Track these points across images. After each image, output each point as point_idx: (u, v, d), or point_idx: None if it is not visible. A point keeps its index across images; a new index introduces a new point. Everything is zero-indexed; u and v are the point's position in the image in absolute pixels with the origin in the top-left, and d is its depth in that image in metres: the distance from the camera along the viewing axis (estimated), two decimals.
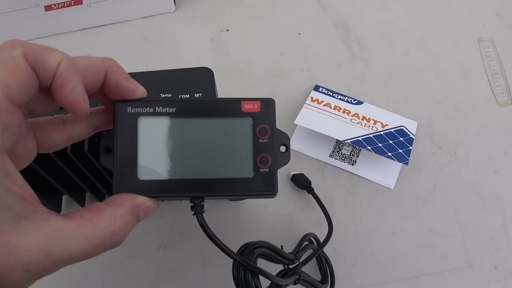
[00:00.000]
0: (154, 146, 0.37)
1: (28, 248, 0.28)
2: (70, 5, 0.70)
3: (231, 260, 0.56)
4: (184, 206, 0.62)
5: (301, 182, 0.62)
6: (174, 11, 0.77)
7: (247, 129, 0.38)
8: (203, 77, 0.48)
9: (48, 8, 0.69)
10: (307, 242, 0.56)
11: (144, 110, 0.37)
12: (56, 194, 0.60)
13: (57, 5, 0.69)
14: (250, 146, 0.38)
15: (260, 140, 0.38)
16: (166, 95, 0.46)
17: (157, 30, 0.76)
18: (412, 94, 0.70)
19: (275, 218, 0.62)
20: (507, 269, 0.60)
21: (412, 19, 0.77)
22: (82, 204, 0.60)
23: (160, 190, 0.36)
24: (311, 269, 0.58)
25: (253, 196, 0.38)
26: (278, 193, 0.38)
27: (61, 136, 0.35)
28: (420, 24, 0.76)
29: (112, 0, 0.71)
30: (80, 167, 0.48)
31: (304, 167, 0.65)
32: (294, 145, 0.66)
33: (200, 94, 0.46)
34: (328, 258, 0.58)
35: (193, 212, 0.37)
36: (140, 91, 0.37)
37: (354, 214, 0.62)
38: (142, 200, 0.35)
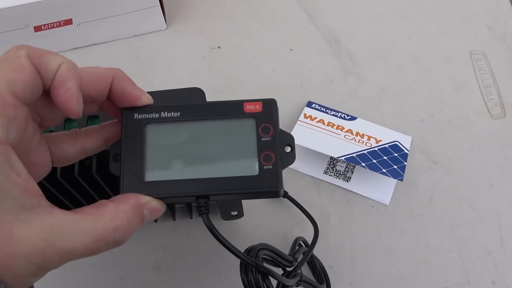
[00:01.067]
0: (161, 149, 0.38)
1: (30, 238, 0.29)
2: (60, 26, 0.69)
3: (227, 282, 0.56)
4: (178, 226, 0.61)
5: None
6: (165, 29, 0.77)
7: (250, 128, 0.39)
8: (194, 97, 0.47)
9: (37, 29, 0.68)
10: (297, 246, 0.56)
11: (150, 116, 0.39)
12: None
13: (46, 25, 0.68)
14: (254, 145, 0.38)
15: (263, 139, 0.39)
16: None
17: (148, 48, 0.75)
18: (405, 109, 0.70)
19: (270, 236, 0.61)
20: (505, 284, 0.59)
21: (403, 33, 0.77)
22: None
23: (166, 190, 0.37)
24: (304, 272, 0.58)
25: (258, 194, 0.38)
26: (282, 191, 0.38)
27: (74, 148, 0.37)
28: (412, 38, 0.76)
29: (102, 20, 0.71)
30: (70, 191, 0.48)
31: (298, 184, 0.64)
32: None
33: None
34: (319, 259, 0.58)
35: (199, 212, 0.37)
36: (146, 97, 0.38)
37: (350, 231, 0.62)
38: (147, 200, 0.36)
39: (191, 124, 0.39)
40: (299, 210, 0.62)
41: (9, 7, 0.64)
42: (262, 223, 0.62)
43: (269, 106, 0.40)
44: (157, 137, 0.38)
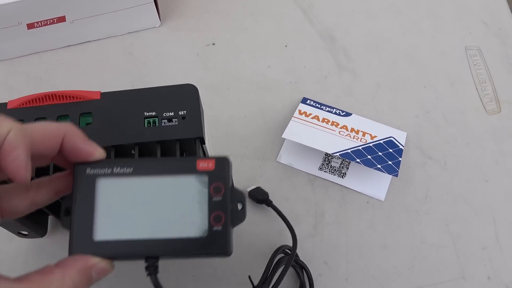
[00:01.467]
0: (111, 206, 0.37)
1: None
2: (53, 23, 0.69)
3: (222, 279, 0.56)
4: None
5: (257, 197, 0.61)
6: (159, 26, 0.77)
7: (202, 187, 0.38)
8: (187, 94, 0.47)
9: (30, 26, 0.68)
10: (282, 255, 0.55)
11: (103, 171, 0.38)
12: (42, 215, 0.59)
13: (39, 23, 0.68)
14: (205, 205, 0.37)
15: (214, 198, 0.37)
16: (151, 113, 0.45)
17: (142, 45, 0.75)
18: (400, 105, 0.70)
19: (244, 237, 0.61)
20: (501, 279, 0.59)
21: (398, 29, 0.77)
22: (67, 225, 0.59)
23: (115, 250, 0.36)
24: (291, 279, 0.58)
25: (207, 255, 0.37)
26: (231, 252, 0.37)
27: (24, 202, 0.36)
28: (407, 34, 0.76)
29: (96, 17, 0.70)
30: None
31: (293, 181, 0.64)
32: (283, 159, 0.65)
33: (185, 111, 0.46)
34: (306, 266, 0.58)
35: (147, 272, 0.36)
36: (99, 153, 0.37)
37: (345, 227, 0.61)
38: (95, 261, 0.35)
39: (143, 180, 0.38)
40: (293, 206, 0.62)
41: (2, 4, 0.63)
42: (257, 219, 0.62)
43: (222, 164, 0.39)
44: (109, 193, 0.37)
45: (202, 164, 0.39)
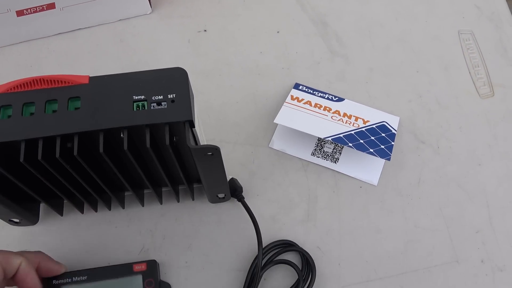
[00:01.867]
0: None
1: None
2: (42, 10, 0.68)
3: (214, 264, 0.56)
4: (165, 210, 0.61)
5: (231, 190, 0.60)
6: (150, 13, 0.76)
7: (138, 283, 0.54)
8: (176, 77, 0.47)
9: (20, 13, 0.67)
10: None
11: (64, 280, 0.53)
12: (33, 203, 0.59)
13: (29, 10, 0.67)
14: None
15: None
16: (140, 96, 0.45)
17: (133, 32, 0.75)
18: (393, 89, 0.70)
19: (258, 217, 0.61)
20: (494, 262, 0.59)
21: (391, 13, 0.76)
22: (60, 212, 0.59)
23: None
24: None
25: None
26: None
27: None
28: (400, 19, 0.76)
29: (86, 4, 0.70)
30: (53, 174, 0.47)
31: (286, 166, 0.64)
32: (276, 144, 0.65)
33: (174, 95, 0.45)
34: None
35: None
36: (64, 268, 0.53)
37: (338, 212, 0.61)
38: None
39: (95, 284, 0.53)
40: (286, 191, 0.61)
41: None
42: (249, 205, 0.61)
43: (152, 265, 0.55)
44: None
45: (137, 267, 0.54)
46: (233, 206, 0.61)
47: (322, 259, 0.59)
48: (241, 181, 0.62)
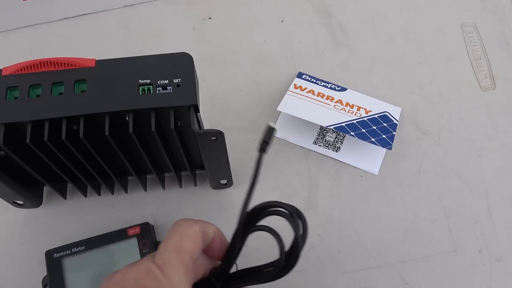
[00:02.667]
0: (76, 275, 0.54)
1: None
2: None
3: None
4: (167, 195, 0.61)
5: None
6: (155, 0, 0.76)
7: (134, 246, 0.56)
8: (182, 62, 0.47)
9: None
10: None
11: (64, 252, 0.55)
12: (37, 185, 0.59)
13: None
14: (138, 256, 0.55)
15: (144, 251, 0.55)
16: (145, 80, 0.45)
17: (138, 19, 0.75)
18: (395, 80, 0.70)
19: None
20: (492, 253, 0.60)
21: (395, 4, 0.77)
22: (63, 195, 0.59)
23: None
24: None
25: None
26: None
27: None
28: (403, 10, 0.76)
29: None
30: (59, 156, 0.48)
31: (288, 154, 0.64)
32: (278, 132, 0.65)
33: (179, 79, 0.46)
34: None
35: None
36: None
37: (338, 200, 0.62)
38: None
39: (93, 251, 0.55)
40: (287, 179, 0.62)
41: None
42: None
43: (145, 227, 0.56)
44: (72, 267, 0.54)
45: (131, 231, 0.56)
46: (235, 192, 0.62)
47: (322, 247, 0.59)
48: (243, 168, 0.62)
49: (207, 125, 0.56)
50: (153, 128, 0.44)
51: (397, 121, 0.64)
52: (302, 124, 0.65)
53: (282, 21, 0.75)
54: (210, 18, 0.75)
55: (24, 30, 0.73)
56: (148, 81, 0.45)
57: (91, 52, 0.72)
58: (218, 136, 0.46)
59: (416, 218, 0.61)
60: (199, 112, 0.46)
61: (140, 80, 0.45)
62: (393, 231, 0.60)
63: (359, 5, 0.76)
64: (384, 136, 0.62)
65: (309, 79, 0.68)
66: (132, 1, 0.75)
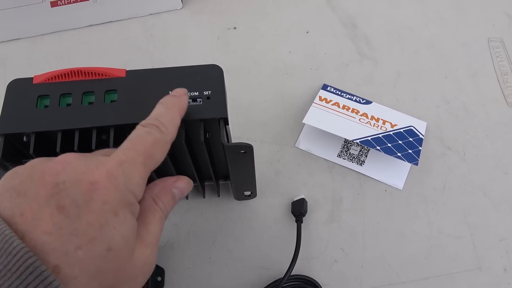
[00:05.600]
0: None
1: None
2: (76, 1, 0.69)
3: (238, 261, 0.56)
4: (191, 205, 0.61)
5: (294, 208, 0.61)
6: (180, 8, 0.77)
7: None
8: (212, 74, 0.47)
9: (54, 4, 0.68)
10: None
11: None
12: None
13: (63, 1, 0.68)
14: None
15: None
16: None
17: (163, 27, 0.75)
18: (421, 94, 0.70)
19: (283, 217, 0.61)
20: None
21: (421, 18, 0.76)
22: None
23: None
24: None
25: None
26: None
27: None
28: (429, 23, 0.76)
29: None
30: None
31: (311, 167, 0.64)
32: (302, 144, 0.65)
33: (210, 91, 0.46)
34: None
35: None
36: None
37: (362, 214, 0.61)
38: (173, 179, 0.41)
39: None
40: (311, 192, 0.62)
41: None
42: (274, 203, 0.62)
43: None
44: None
45: None
46: (258, 204, 0.62)
47: (345, 261, 0.59)
48: (267, 180, 0.62)
49: (231, 136, 0.55)
50: (183, 141, 0.44)
51: (422, 135, 0.64)
52: (326, 136, 0.65)
53: (307, 32, 0.75)
54: (235, 28, 0.75)
55: (51, 36, 0.74)
56: None
57: (116, 59, 0.72)
58: (247, 150, 0.45)
59: (441, 235, 0.61)
60: (228, 124, 0.46)
61: (170, 92, 0.45)
62: (417, 247, 0.60)
63: (384, 18, 0.76)
64: (410, 151, 0.61)
65: (334, 91, 0.67)
66: (157, 10, 0.76)
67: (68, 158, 0.32)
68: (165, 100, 0.40)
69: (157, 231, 0.36)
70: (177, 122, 0.39)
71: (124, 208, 0.32)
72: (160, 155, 0.36)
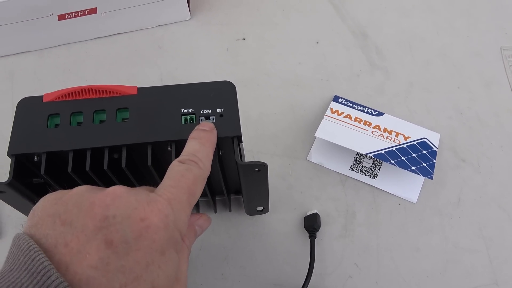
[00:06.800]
0: None
1: None
2: (84, 14, 0.68)
3: (251, 277, 0.55)
4: None
5: (307, 223, 0.60)
6: (189, 20, 0.76)
7: None
8: (225, 91, 0.46)
9: (61, 17, 0.68)
10: None
11: None
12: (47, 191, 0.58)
13: (71, 14, 0.68)
14: None
15: None
16: (188, 110, 0.45)
17: (172, 39, 0.74)
18: (433, 105, 0.69)
19: (295, 232, 0.60)
20: None
21: (432, 27, 0.75)
22: None
23: None
24: None
25: None
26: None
27: None
28: (441, 32, 0.75)
29: (127, 9, 0.70)
30: (98, 184, 0.47)
31: (323, 180, 0.63)
32: (314, 157, 0.64)
33: (222, 109, 0.45)
34: None
35: None
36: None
37: (376, 229, 0.61)
38: (197, 216, 0.42)
39: None
40: (324, 206, 0.61)
41: None
42: (287, 218, 0.61)
43: None
44: None
45: None
46: (270, 219, 0.61)
47: (359, 276, 0.58)
48: (279, 194, 0.61)
49: (243, 151, 0.55)
50: None
51: (436, 148, 0.63)
52: (338, 149, 0.64)
53: (317, 42, 0.74)
54: (244, 39, 0.74)
55: (58, 49, 0.73)
56: (191, 110, 0.45)
57: (124, 72, 0.71)
58: (261, 168, 0.45)
59: (456, 249, 0.60)
60: (241, 142, 0.45)
61: (182, 109, 0.45)
62: (432, 262, 0.59)
63: (395, 27, 0.75)
64: (424, 164, 0.60)
65: (345, 103, 0.67)
66: (166, 21, 0.75)
67: (119, 191, 0.32)
68: (197, 135, 0.40)
69: (186, 270, 0.36)
70: (211, 157, 0.39)
71: (170, 248, 0.32)
72: (200, 191, 0.36)
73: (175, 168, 0.36)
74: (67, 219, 0.29)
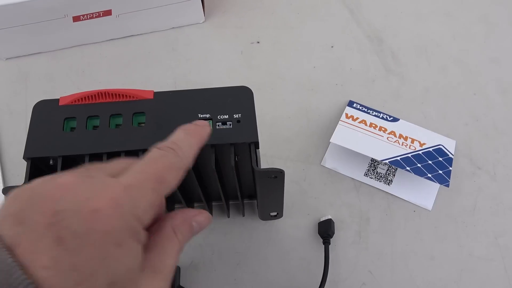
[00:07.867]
0: None
1: None
2: (99, 16, 0.68)
3: (263, 283, 0.55)
4: (215, 225, 0.60)
5: (321, 229, 0.60)
6: (203, 22, 0.76)
7: None
8: (242, 96, 0.46)
9: (76, 19, 0.67)
10: None
11: None
12: None
13: (85, 16, 0.67)
14: None
15: None
16: (205, 115, 0.44)
17: (185, 41, 0.74)
18: (449, 111, 0.68)
19: (309, 237, 0.60)
20: None
21: (448, 32, 0.75)
22: None
23: None
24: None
25: None
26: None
27: None
28: (457, 38, 0.74)
29: (142, 11, 0.70)
30: None
31: (337, 186, 0.63)
32: (328, 163, 0.64)
33: (240, 115, 0.45)
34: None
35: None
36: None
37: (390, 236, 0.60)
38: (194, 212, 0.37)
39: None
40: (338, 211, 0.60)
41: None
42: (300, 223, 0.60)
43: None
44: None
45: None
46: (284, 224, 0.60)
47: (373, 284, 0.57)
48: (292, 199, 0.61)
49: (260, 157, 0.54)
50: (213, 166, 0.43)
51: (452, 155, 0.62)
52: (352, 154, 0.63)
53: (332, 47, 0.74)
54: (258, 42, 0.74)
55: (72, 50, 0.73)
56: (208, 115, 0.44)
57: (138, 73, 0.71)
58: (278, 175, 0.44)
59: (471, 257, 0.59)
60: (258, 148, 0.45)
61: (199, 115, 0.44)
62: (447, 270, 0.58)
63: (411, 32, 0.75)
64: (440, 171, 0.60)
65: (361, 108, 0.66)
66: (180, 23, 0.75)
67: (70, 182, 0.30)
68: (186, 127, 0.38)
69: (173, 265, 0.33)
70: (195, 149, 0.37)
71: (129, 238, 0.30)
72: (173, 180, 0.34)
73: (150, 153, 0.34)
74: (20, 218, 0.28)
